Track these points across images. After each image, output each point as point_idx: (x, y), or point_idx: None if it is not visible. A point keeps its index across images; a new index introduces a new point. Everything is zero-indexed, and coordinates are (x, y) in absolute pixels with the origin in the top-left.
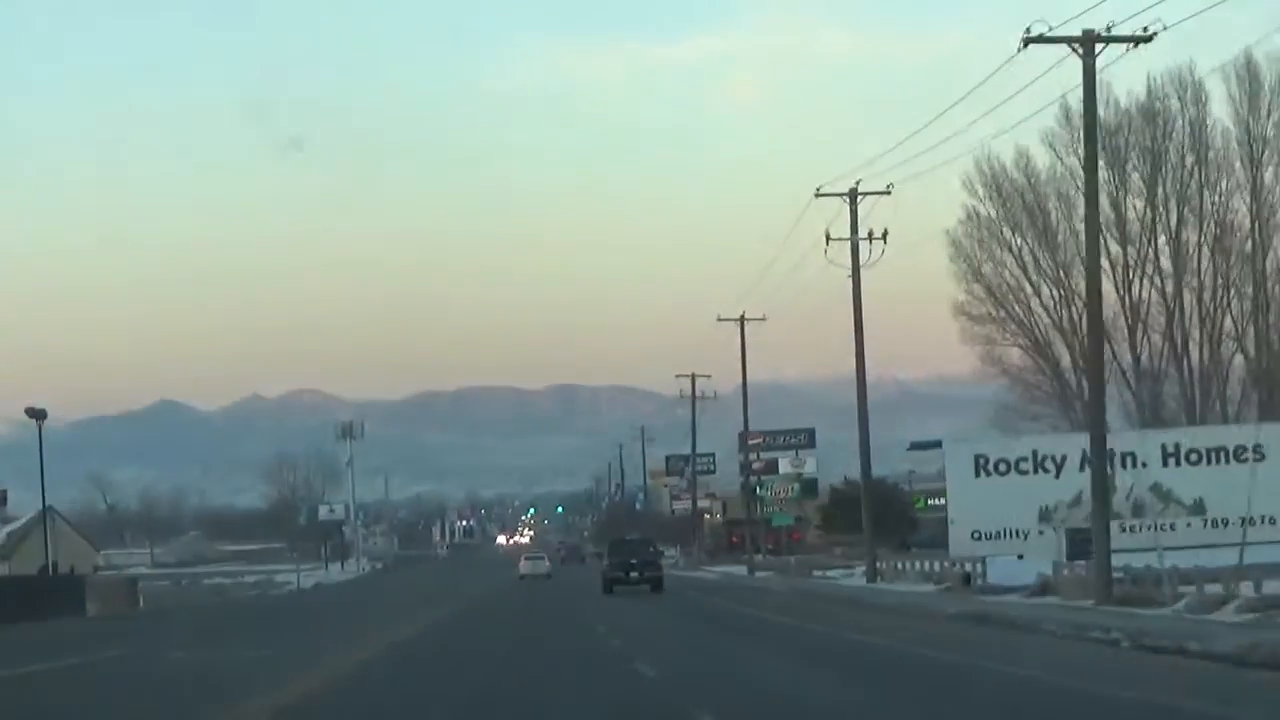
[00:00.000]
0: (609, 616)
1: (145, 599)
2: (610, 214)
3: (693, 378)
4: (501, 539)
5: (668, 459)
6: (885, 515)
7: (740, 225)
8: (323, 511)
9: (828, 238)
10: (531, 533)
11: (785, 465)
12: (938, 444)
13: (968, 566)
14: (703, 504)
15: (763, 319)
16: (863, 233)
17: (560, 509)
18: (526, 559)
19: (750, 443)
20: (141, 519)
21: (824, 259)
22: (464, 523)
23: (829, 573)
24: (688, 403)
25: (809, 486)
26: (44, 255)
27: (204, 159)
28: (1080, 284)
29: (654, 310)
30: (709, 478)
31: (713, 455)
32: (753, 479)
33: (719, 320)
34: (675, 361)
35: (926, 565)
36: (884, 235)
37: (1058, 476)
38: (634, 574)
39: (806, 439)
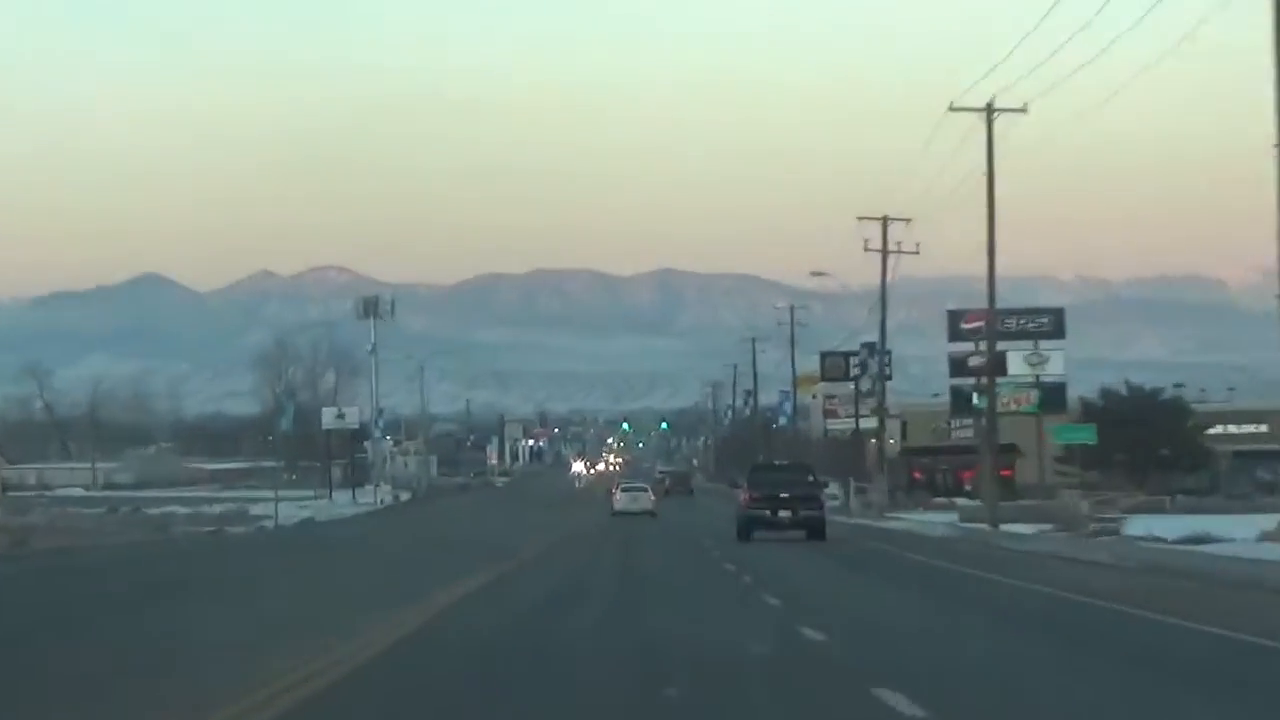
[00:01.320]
0: (798, 595)
1: (38, 535)
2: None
3: (884, 223)
4: (578, 466)
5: (824, 356)
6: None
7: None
8: (327, 417)
9: None
10: (620, 459)
11: (1016, 364)
12: None
13: None
14: (868, 424)
15: (908, 220)
16: None
17: (665, 425)
18: (622, 489)
19: (966, 326)
20: (87, 425)
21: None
22: (530, 443)
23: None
24: (823, 299)
25: (1054, 395)
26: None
27: None
28: None
29: (779, 198)
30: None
31: (889, 353)
32: (967, 385)
33: (859, 220)
34: (802, 258)
35: None
36: None
37: None
38: (783, 513)
39: (1052, 324)
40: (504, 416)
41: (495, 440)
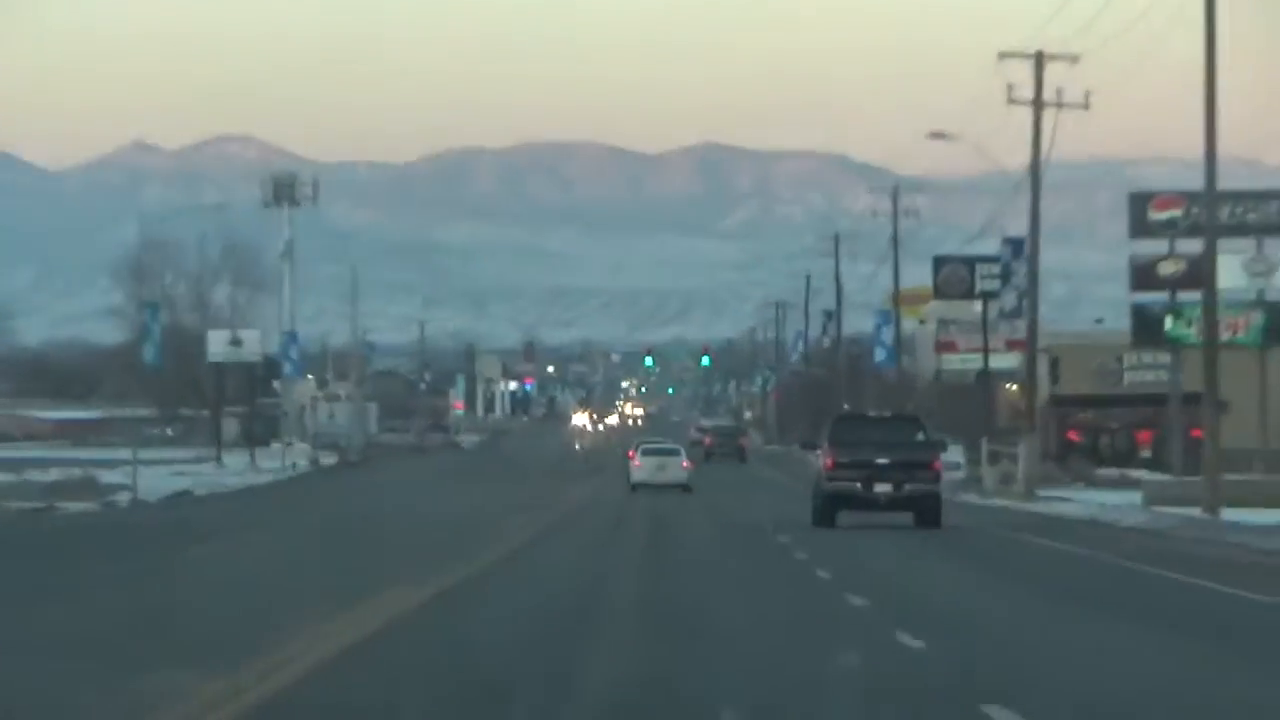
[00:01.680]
0: None
1: None
2: None
3: (1038, 61)
4: (579, 419)
5: (938, 263)
6: None
7: None
8: (216, 344)
9: None
10: (642, 410)
11: (1230, 272)
12: None
13: None
14: (1003, 362)
15: (1074, 59)
16: None
17: (707, 360)
18: (644, 452)
19: (1157, 214)
20: None
21: None
22: (512, 386)
23: None
24: (932, 192)
25: None
26: None
27: None
28: None
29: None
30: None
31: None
32: (1156, 304)
33: (1001, 59)
34: (900, 132)
35: None
36: None
37: None
38: (881, 486)
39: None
40: (474, 348)
41: (460, 381)
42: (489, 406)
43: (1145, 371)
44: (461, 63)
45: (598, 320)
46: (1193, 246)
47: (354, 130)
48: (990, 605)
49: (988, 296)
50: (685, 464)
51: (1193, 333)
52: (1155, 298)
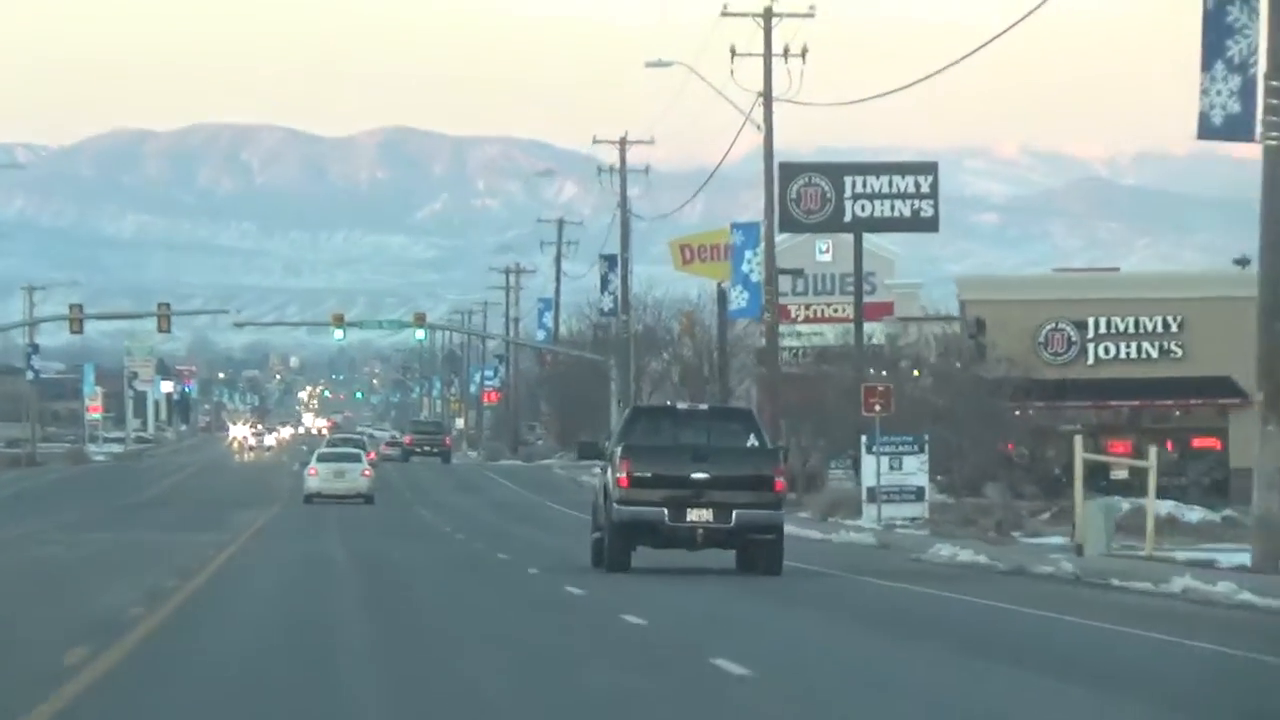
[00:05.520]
0: None
1: None
2: None
3: None
4: (237, 429)
5: (786, 173)
6: None
7: None
8: None
9: None
10: (327, 421)
11: None
12: None
13: None
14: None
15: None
16: None
17: (422, 335)
18: (322, 459)
19: None
20: None
21: None
22: (166, 389)
23: None
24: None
25: None
26: None
27: None
28: None
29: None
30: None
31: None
32: None
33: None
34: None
35: None
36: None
37: None
38: (698, 512)
39: None
40: (129, 346)
41: (90, 382)
42: (147, 414)
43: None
44: (127, 39)
45: (277, 318)
46: None
47: (7, 110)
48: None
49: (865, 228)
50: (368, 471)
51: None
52: None
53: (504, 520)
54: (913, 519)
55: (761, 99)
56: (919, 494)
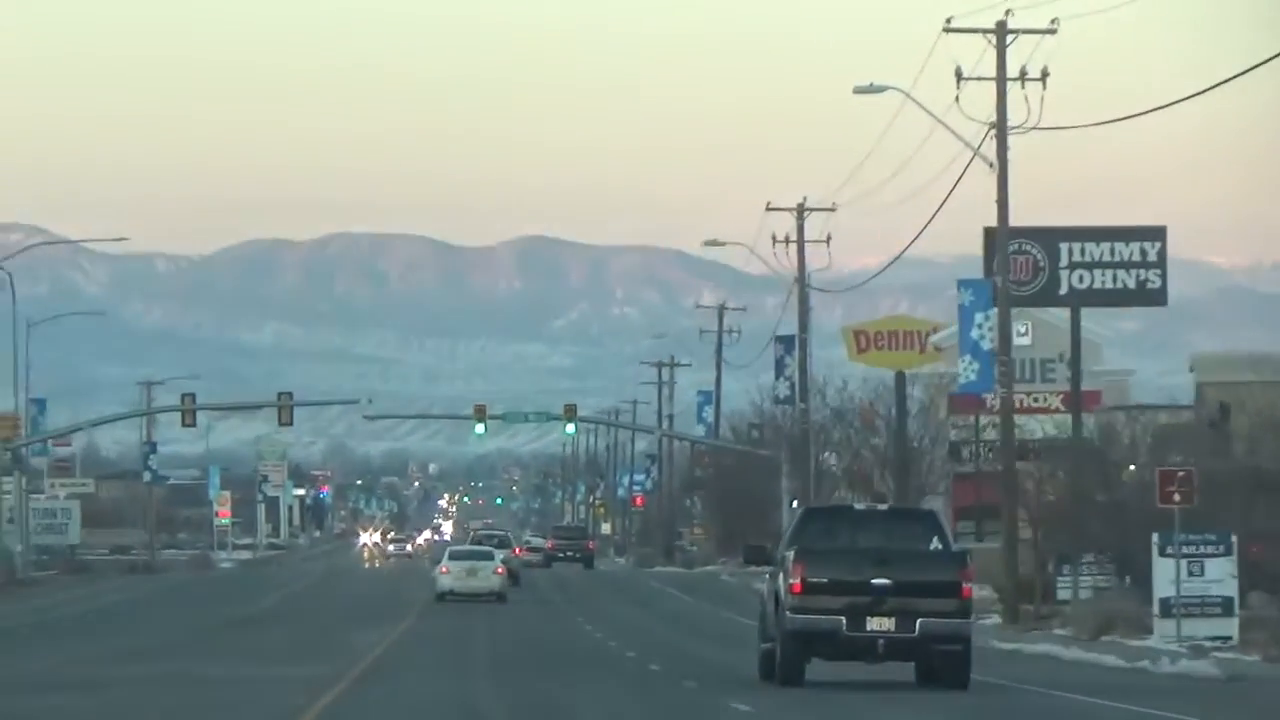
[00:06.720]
0: None
1: None
2: None
3: None
4: (366, 536)
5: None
6: None
7: None
8: None
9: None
10: (480, 523)
11: None
12: None
13: None
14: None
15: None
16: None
17: (572, 428)
18: (454, 557)
19: None
20: None
21: None
22: (302, 495)
23: None
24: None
25: None
26: None
27: None
28: None
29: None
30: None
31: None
32: None
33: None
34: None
35: None
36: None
37: None
38: (879, 622)
39: None
40: (261, 450)
41: (215, 484)
42: (280, 520)
43: None
44: (266, 150)
45: (413, 431)
46: None
47: (145, 220)
48: None
49: (1083, 301)
50: (500, 570)
51: None
52: None
53: (695, 641)
54: (1223, 639)
55: (993, 131)
56: (1226, 606)
